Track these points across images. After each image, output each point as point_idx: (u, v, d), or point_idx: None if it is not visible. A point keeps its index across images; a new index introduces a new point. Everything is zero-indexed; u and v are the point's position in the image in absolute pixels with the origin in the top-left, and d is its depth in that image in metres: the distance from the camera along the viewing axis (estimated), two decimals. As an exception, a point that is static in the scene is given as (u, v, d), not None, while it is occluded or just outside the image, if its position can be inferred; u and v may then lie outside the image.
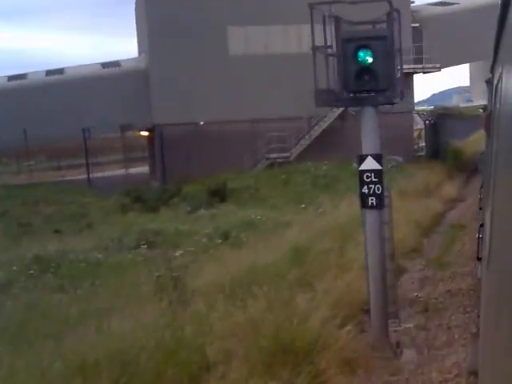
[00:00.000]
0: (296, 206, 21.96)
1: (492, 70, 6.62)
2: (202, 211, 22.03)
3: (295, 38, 29.18)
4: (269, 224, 18.25)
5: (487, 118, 6.08)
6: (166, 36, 28.24)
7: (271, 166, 28.60)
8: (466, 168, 35.58)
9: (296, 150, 29.19)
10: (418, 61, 29.62)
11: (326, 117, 29.12)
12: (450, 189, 23.95)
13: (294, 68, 28.98)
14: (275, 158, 28.92)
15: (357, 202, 8.62)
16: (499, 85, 3.60)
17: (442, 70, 32.77)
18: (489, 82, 8.11)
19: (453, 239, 15.44)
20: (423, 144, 38.06)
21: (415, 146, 34.31)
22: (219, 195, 24.03)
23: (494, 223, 3.27)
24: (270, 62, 28.84)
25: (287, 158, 28.94)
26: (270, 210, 21.76)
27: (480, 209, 9.69)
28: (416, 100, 56.32)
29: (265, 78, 28.87)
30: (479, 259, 5.85)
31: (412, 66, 29.23)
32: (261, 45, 29.06)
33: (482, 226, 5.67)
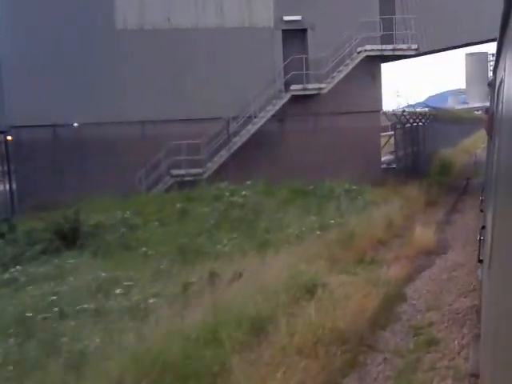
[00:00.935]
0: (176, 265, 13.54)
1: (494, 72, 6.78)
2: (23, 269, 13.43)
3: (212, 7, 20.71)
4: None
5: (489, 120, 6.27)
6: (22, 5, 19.73)
7: (179, 185, 20.04)
8: (456, 186, 27.20)
9: (213, 165, 20.67)
10: (388, 40, 21.19)
11: (256, 117, 20.70)
12: (425, 231, 15.43)
13: (210, 47, 20.50)
14: (183, 176, 20.39)
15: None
16: (501, 87, 3.77)
17: (428, 55, 24.36)
18: (491, 85, 7.89)
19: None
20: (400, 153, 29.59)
21: (385, 158, 25.81)
22: (70, 237, 15.51)
23: (496, 225, 3.29)
24: (175, 40, 20.37)
25: (200, 175, 20.41)
26: (128, 269, 13.33)
27: (481, 211, 8.45)
28: (412, 102, 48.30)
29: (169, 62, 20.38)
30: (480, 261, 5.63)
31: (378, 48, 20.83)
32: (161, 16, 20.54)
33: (483, 228, 5.62)
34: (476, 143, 65.25)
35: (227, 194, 18.31)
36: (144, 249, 14.79)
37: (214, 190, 18.83)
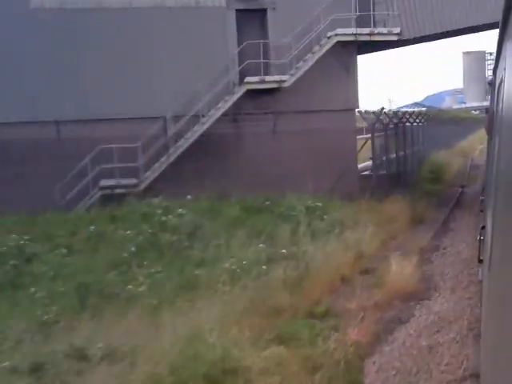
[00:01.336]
0: (67, 314, 9.89)
1: (494, 72, 6.68)
2: None
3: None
4: None
5: (489, 120, 6.37)
6: None
7: (108, 199, 16.30)
8: (449, 196, 23.56)
9: (151, 174, 16.94)
10: (364, 23, 17.46)
11: (204, 116, 16.97)
12: (405, 264, 11.65)
13: (146, 31, 16.84)
14: (114, 187, 16.67)
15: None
16: (502, 86, 3.80)
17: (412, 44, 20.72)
18: (491, 84, 7.55)
19: None
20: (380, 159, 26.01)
21: (365, 164, 22.24)
22: None
23: (496, 225, 3.29)
24: (102, 21, 16.62)
25: (134, 186, 16.69)
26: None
27: (481, 211, 8.59)
28: (411, 102, 45.93)
29: (94, 48, 16.65)
30: (480, 261, 5.65)
31: (351, 32, 17.08)
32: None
33: (483, 228, 5.59)
34: (473, 145, 61.60)
35: (159, 212, 14.60)
36: (33, 289, 11.12)
37: (144, 206, 15.11)
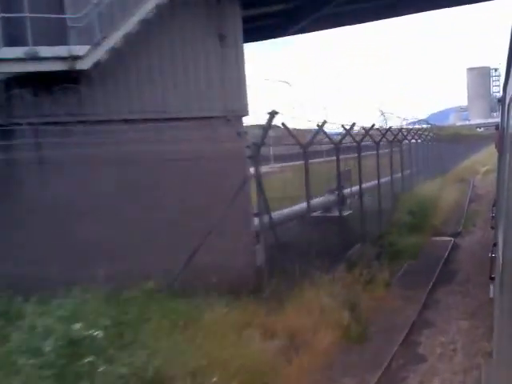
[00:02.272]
0: None
1: (504, 89, 6.55)
2: None
3: None
4: None
5: (499, 136, 6.23)
6: None
7: None
8: (433, 257, 14.93)
9: None
10: None
11: None
12: None
13: None
14: None
15: None
16: None
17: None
18: (501, 100, 7.20)
19: None
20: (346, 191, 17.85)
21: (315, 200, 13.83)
22: None
23: (508, 241, 3.25)
24: None
25: None
26: None
27: (492, 228, 9.16)
28: (415, 119, 40.41)
29: None
30: (492, 278, 5.68)
31: None
32: None
33: (495, 245, 5.56)
34: (475, 166, 53.02)
35: None
36: None
37: None
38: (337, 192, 18.70)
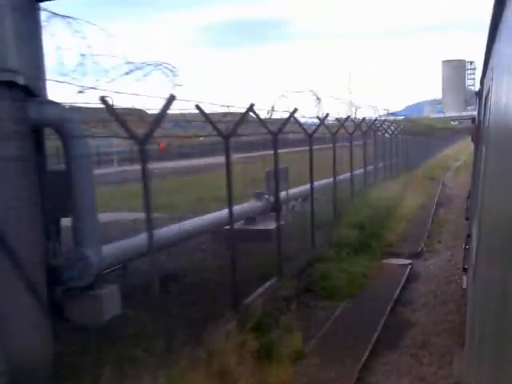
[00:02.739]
0: None
1: (482, 81, 6.82)
2: None
3: None
4: None
5: (476, 129, 6.32)
6: None
7: None
8: (375, 296, 10.82)
9: None
10: None
11: None
12: None
13: None
14: None
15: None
16: (489, 96, 3.91)
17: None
18: (478, 94, 7.72)
19: None
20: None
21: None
22: None
23: (481, 233, 3.30)
24: None
25: None
26: None
27: (466, 219, 9.06)
28: (391, 110, 38.84)
29: None
30: (465, 270, 5.99)
31: None
32: None
33: (468, 236, 5.63)
34: (447, 161, 49.40)
35: None
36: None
37: None
38: (267, 196, 14.62)
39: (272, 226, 13.40)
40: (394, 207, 17.73)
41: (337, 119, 17.21)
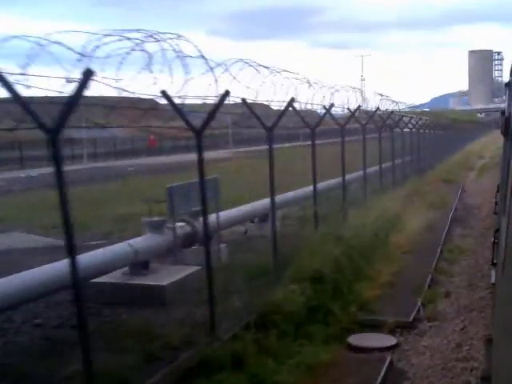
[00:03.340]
0: None
1: None
2: None
3: None
4: None
5: (506, 122, 6.12)
6: None
7: None
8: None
9: None
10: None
11: None
12: None
13: None
14: None
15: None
16: None
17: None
18: (508, 85, 7.27)
19: None
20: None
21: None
22: None
23: (511, 228, 3.20)
24: None
25: None
26: None
27: (495, 213, 8.68)
28: (417, 103, 36.35)
29: None
30: (494, 264, 5.65)
31: None
32: None
33: (497, 231, 5.53)
34: (470, 159, 43.65)
35: None
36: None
37: None
38: (182, 223, 9.60)
39: (172, 278, 8.38)
40: (386, 234, 12.50)
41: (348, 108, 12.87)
